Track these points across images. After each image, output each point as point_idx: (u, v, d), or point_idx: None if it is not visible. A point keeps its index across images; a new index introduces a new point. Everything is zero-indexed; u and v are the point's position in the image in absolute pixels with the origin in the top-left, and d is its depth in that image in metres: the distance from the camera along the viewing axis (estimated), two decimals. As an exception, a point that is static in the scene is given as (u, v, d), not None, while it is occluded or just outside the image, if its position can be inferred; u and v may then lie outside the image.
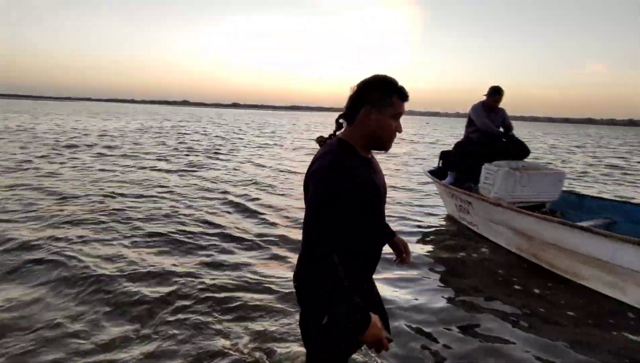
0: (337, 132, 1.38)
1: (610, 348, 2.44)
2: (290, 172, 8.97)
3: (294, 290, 1.44)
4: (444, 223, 5.31)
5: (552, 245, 3.55)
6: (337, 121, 1.37)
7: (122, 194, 5.95)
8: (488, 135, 4.73)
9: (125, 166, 8.80)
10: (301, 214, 5.13)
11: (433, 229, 5.01)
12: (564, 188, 4.76)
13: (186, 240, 4.13)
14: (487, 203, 4.28)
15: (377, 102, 1.27)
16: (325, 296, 1.26)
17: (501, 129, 4.81)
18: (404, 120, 1.34)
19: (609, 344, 2.49)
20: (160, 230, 4.39)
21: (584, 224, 4.16)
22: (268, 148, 14.75)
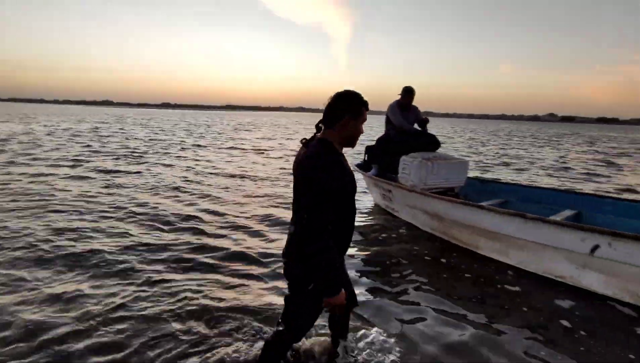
0: (318, 134, 1.71)
1: (497, 298, 3.03)
2: (216, 174, 8.60)
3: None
4: (371, 210, 5.81)
5: (457, 223, 4.15)
6: (317, 125, 1.72)
7: (12, 209, 5.12)
8: (403, 132, 5.29)
9: (16, 173, 7.70)
10: (228, 218, 5.18)
11: (361, 216, 5.47)
12: (470, 175, 5.51)
13: (95, 257, 3.62)
14: (404, 190, 4.82)
15: (354, 112, 1.66)
16: (319, 293, 1.64)
17: (416, 125, 5.41)
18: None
19: (496, 295, 3.08)
20: (61, 244, 3.89)
21: (483, 204, 4.89)
22: (193, 149, 13.94)
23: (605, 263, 2.99)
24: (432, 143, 5.29)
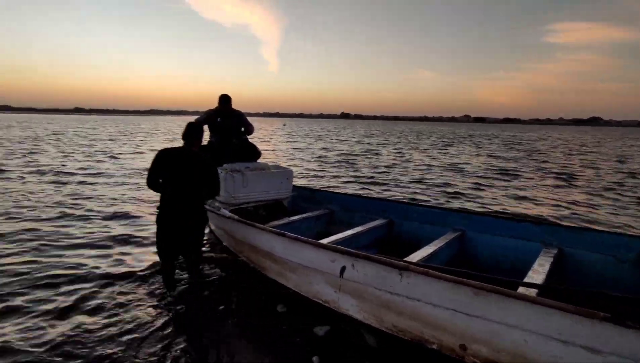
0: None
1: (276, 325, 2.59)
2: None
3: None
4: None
5: (244, 243, 3.70)
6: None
7: None
8: (224, 139, 4.77)
9: None
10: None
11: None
12: (300, 185, 5.17)
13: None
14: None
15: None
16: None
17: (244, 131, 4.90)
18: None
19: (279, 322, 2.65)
20: None
21: (311, 214, 4.53)
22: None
23: (353, 285, 2.70)
24: (251, 152, 4.84)
